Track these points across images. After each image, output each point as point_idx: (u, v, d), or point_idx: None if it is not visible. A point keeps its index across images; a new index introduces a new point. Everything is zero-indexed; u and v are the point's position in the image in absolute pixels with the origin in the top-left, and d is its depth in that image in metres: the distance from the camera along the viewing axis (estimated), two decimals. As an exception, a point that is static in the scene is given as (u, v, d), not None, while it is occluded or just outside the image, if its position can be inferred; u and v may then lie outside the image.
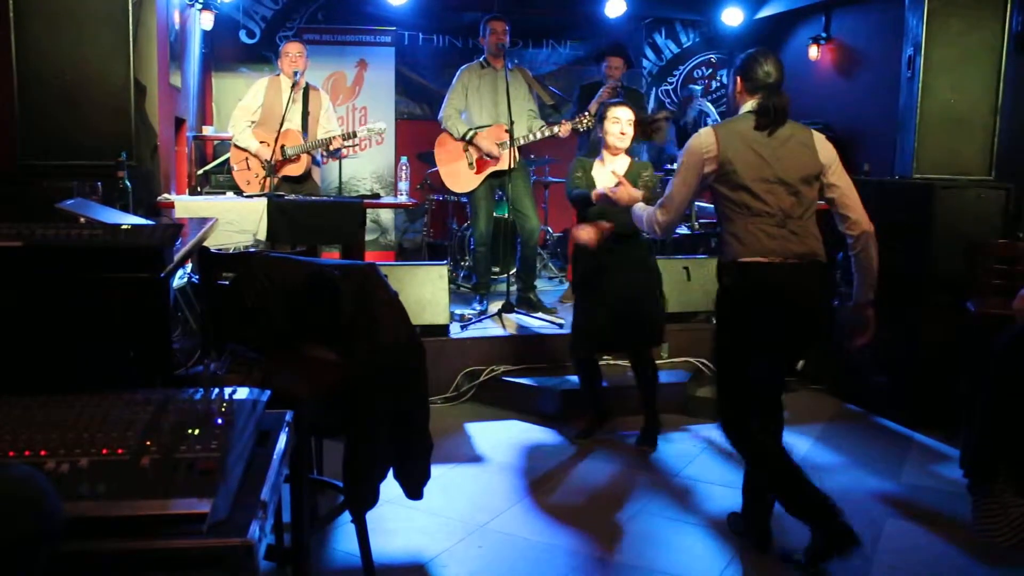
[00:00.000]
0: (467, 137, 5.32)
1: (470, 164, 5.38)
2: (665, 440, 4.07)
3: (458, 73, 5.50)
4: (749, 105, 2.88)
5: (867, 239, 2.87)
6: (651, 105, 7.81)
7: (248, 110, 5.20)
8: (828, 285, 3.00)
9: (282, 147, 5.03)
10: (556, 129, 5.22)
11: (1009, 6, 4.40)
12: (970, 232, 4.29)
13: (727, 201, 2.85)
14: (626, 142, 3.87)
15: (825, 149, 2.87)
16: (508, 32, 5.38)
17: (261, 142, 5.10)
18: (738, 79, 2.93)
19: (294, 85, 5.11)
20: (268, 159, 4.96)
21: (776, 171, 2.79)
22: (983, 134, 4.48)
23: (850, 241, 2.90)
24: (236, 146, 5.19)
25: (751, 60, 2.88)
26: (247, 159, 5.14)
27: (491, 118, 5.36)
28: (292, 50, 5.18)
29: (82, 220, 2.20)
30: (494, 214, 5.67)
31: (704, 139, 2.84)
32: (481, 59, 5.50)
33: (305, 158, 5.15)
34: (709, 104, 6.42)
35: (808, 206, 2.84)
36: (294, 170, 5.14)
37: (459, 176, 5.43)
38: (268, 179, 4.92)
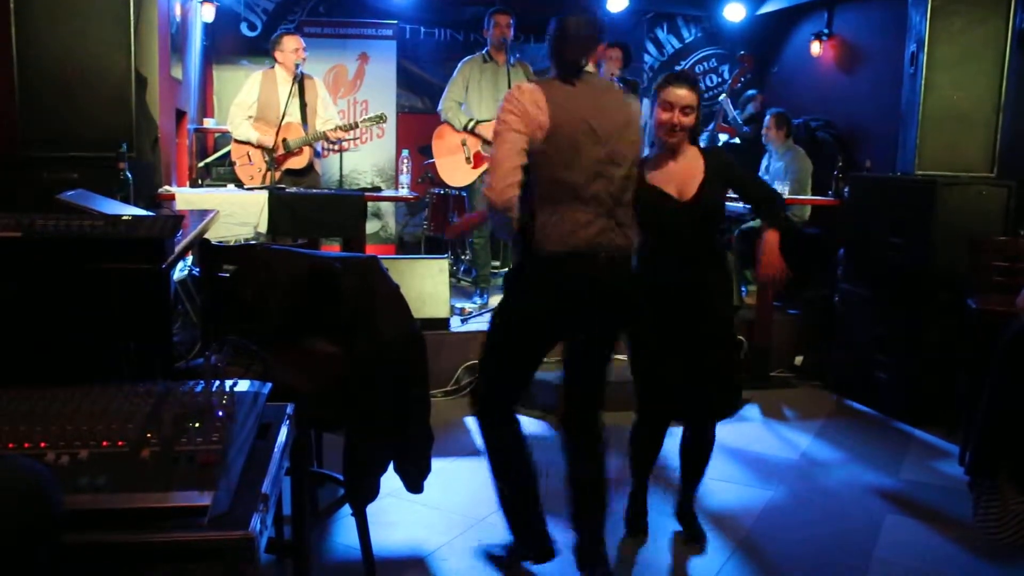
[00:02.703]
0: (468, 127, 5.29)
1: (467, 158, 5.37)
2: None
3: (459, 65, 5.46)
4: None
5: None
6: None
7: (244, 105, 5.15)
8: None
9: (284, 140, 5.02)
10: None
11: (1013, 3, 4.39)
12: (972, 229, 4.28)
13: None
14: (680, 136, 2.78)
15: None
16: (513, 26, 5.34)
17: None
18: None
19: (294, 78, 5.08)
20: (270, 148, 4.95)
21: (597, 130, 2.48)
22: (985, 131, 4.47)
23: None
24: (237, 141, 5.17)
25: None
26: (248, 153, 5.12)
27: (490, 113, 5.31)
28: (294, 44, 5.11)
29: (79, 211, 2.19)
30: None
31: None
32: (484, 52, 5.45)
33: (307, 150, 5.14)
34: (729, 105, 6.39)
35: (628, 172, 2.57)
36: (297, 162, 5.12)
37: (455, 170, 5.41)
38: (270, 172, 4.91)
